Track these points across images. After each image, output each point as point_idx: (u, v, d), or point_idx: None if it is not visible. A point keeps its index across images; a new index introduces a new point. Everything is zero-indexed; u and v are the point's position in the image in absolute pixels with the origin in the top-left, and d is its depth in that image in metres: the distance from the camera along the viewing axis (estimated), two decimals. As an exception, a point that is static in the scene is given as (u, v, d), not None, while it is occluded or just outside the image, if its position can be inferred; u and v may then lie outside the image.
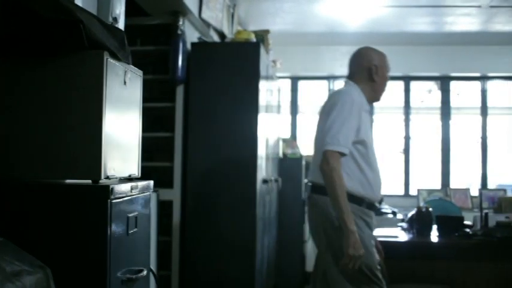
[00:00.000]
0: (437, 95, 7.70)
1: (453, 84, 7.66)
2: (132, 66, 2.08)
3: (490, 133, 7.59)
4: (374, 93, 3.29)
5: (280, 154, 6.20)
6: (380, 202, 6.27)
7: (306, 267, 6.65)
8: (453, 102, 7.63)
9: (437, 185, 7.38)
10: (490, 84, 7.65)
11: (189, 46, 4.33)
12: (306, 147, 7.14)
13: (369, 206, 3.09)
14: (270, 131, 5.13)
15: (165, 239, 4.16)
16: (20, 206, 1.78)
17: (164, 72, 4.21)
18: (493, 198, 6.49)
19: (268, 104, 4.97)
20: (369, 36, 6.95)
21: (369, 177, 3.08)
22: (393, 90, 7.74)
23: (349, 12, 5.99)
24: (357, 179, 3.04)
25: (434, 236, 4.31)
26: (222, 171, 4.29)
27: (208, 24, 4.69)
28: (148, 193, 2.13)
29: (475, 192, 7.02)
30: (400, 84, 7.68)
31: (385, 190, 7.49)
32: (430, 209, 4.40)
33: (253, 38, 4.95)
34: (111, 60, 1.87)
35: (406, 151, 7.59)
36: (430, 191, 7.04)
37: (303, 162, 6.41)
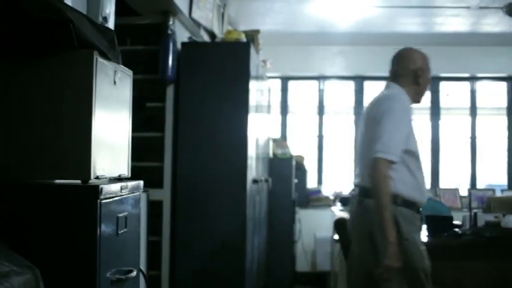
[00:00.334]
0: (427, 95, 7.72)
1: (443, 85, 7.69)
2: (122, 65, 2.08)
3: (479, 133, 7.63)
4: (417, 96, 3.23)
5: (271, 154, 6.21)
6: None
7: (296, 267, 6.67)
8: (443, 102, 7.67)
9: (427, 185, 7.39)
10: (479, 84, 7.69)
11: (179, 46, 4.32)
12: (296, 148, 7.16)
13: (418, 210, 3.09)
14: (260, 131, 5.13)
15: (155, 239, 4.15)
16: (8, 206, 1.77)
17: (154, 72, 4.20)
18: (482, 198, 6.54)
19: (259, 104, 4.98)
20: (359, 36, 6.97)
21: (419, 182, 3.08)
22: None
23: (339, 13, 6.00)
24: (410, 183, 3.02)
25: (423, 235, 4.32)
26: (212, 171, 4.29)
27: (198, 24, 4.68)
28: (138, 193, 2.13)
29: (464, 192, 7.08)
30: (390, 84, 7.69)
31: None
32: (420, 209, 4.41)
33: (244, 38, 4.95)
34: (101, 60, 1.86)
35: (396, 151, 7.61)
36: (420, 191, 7.05)
37: (293, 163, 6.42)
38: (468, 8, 5.74)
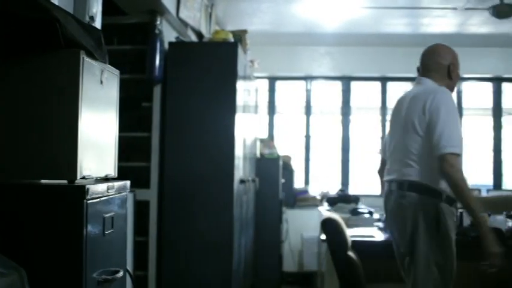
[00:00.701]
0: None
1: (429, 85, 7.73)
2: (108, 65, 2.07)
3: (465, 134, 7.65)
4: (450, 90, 3.24)
5: (258, 154, 6.21)
6: (356, 202, 6.33)
7: (283, 267, 6.67)
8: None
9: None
10: (465, 85, 7.74)
11: (166, 46, 4.31)
12: (283, 148, 7.17)
13: (456, 207, 3.13)
14: (248, 131, 5.13)
15: (142, 239, 4.14)
16: (-6, 207, 1.75)
17: (141, 71, 4.19)
18: (468, 198, 6.55)
19: (246, 104, 4.98)
20: (346, 37, 7.00)
21: None
22: (370, 90, 7.80)
23: (326, 13, 6.02)
24: None
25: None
26: (199, 171, 4.28)
27: (186, 24, 4.67)
28: (124, 193, 2.12)
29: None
30: (377, 85, 7.74)
31: (361, 190, 7.59)
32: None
33: (231, 38, 4.95)
34: (87, 60, 1.85)
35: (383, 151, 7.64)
36: (406, 191, 7.08)
37: (280, 163, 6.43)
38: (454, 9, 5.77)
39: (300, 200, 7.18)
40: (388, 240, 4.28)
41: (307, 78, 7.73)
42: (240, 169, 4.61)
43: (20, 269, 1.60)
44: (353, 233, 4.23)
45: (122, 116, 2.25)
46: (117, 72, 2.16)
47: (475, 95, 7.79)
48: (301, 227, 6.93)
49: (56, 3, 2.25)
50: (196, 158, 4.29)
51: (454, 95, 7.60)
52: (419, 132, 3.01)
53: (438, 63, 3.20)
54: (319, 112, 7.78)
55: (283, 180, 6.53)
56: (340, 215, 4.50)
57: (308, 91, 7.76)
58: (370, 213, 5.64)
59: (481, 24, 6.34)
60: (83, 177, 1.82)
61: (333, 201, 6.41)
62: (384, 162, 3.44)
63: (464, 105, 7.70)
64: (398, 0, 5.65)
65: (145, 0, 4.00)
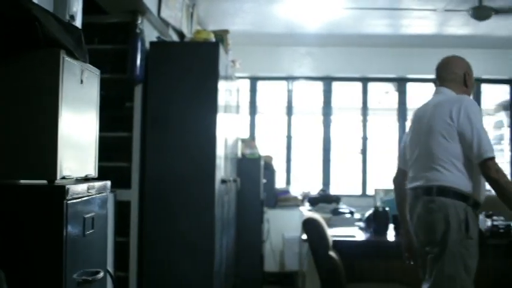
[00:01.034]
0: (394, 96, 7.82)
1: (409, 86, 7.79)
2: (89, 65, 2.06)
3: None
4: None
5: (239, 154, 6.21)
6: (337, 202, 6.35)
7: (264, 267, 6.68)
8: (409, 103, 7.76)
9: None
10: (445, 86, 7.80)
11: (147, 45, 4.30)
12: (265, 148, 7.18)
13: (478, 211, 3.24)
14: (229, 131, 5.12)
15: (123, 239, 4.11)
16: (-28, 207, 1.74)
17: (122, 71, 4.16)
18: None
19: (227, 104, 4.97)
20: (328, 37, 7.02)
21: (482, 184, 3.19)
22: (351, 91, 7.84)
23: (308, 14, 6.03)
24: (476, 185, 3.15)
25: (390, 235, 4.37)
26: (181, 171, 4.27)
27: (167, 24, 4.66)
28: (105, 193, 2.11)
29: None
30: (358, 85, 7.78)
31: (342, 190, 7.62)
32: (387, 209, 4.47)
33: (213, 38, 4.94)
34: (67, 59, 1.84)
35: (364, 151, 7.69)
36: (387, 191, 7.11)
37: (262, 163, 6.43)
38: (434, 10, 5.82)
39: (281, 200, 7.19)
40: (368, 240, 4.32)
41: (289, 78, 7.75)
42: (222, 169, 4.60)
43: (-2, 270, 1.59)
44: (334, 233, 4.25)
45: (103, 116, 2.24)
46: (97, 71, 2.15)
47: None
48: (283, 227, 6.95)
49: (36, 1, 2.23)
50: (178, 158, 4.28)
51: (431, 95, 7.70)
52: (446, 138, 3.14)
53: (454, 73, 3.39)
54: (301, 112, 7.81)
55: (264, 180, 6.54)
56: (321, 215, 4.52)
57: (289, 91, 7.78)
58: (351, 213, 5.66)
59: (460, 25, 6.40)
60: (63, 178, 1.81)
61: (314, 201, 6.43)
62: (400, 171, 3.56)
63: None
64: (378, 1, 5.68)
65: (127, -1, 3.98)
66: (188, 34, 5.17)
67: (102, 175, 2.18)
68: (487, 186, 3.19)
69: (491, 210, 4.45)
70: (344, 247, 4.13)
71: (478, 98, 7.73)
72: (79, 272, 1.81)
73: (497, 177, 3.00)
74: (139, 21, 4.14)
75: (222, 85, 4.52)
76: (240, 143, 6.31)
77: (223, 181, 4.62)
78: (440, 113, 3.20)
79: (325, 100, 7.72)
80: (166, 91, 4.30)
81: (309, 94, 7.83)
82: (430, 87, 7.84)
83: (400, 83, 7.79)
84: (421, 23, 6.40)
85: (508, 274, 4.03)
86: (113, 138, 4.15)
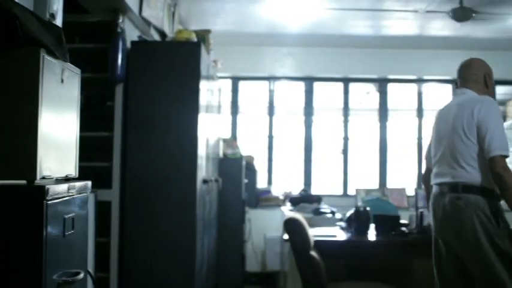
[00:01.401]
0: (375, 96, 7.86)
1: (390, 87, 7.84)
2: (69, 64, 2.04)
3: (425, 134, 7.80)
4: None
5: (221, 154, 6.20)
6: (319, 202, 6.37)
7: (246, 267, 6.68)
8: (390, 104, 7.81)
9: (375, 185, 7.53)
10: (425, 86, 7.86)
11: (129, 44, 4.28)
12: (246, 148, 7.17)
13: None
14: (211, 131, 5.12)
15: (104, 240, 4.09)
16: (-50, 208, 1.71)
17: (103, 70, 4.14)
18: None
19: (209, 104, 4.96)
20: (310, 38, 7.04)
21: None
22: (332, 91, 7.86)
23: (290, 14, 6.04)
24: None
25: (371, 234, 4.39)
26: (162, 171, 4.25)
27: (148, 23, 4.64)
28: (85, 194, 2.10)
29: (411, 191, 7.21)
30: (339, 85, 7.80)
31: (324, 190, 7.64)
32: (368, 209, 4.49)
33: (194, 38, 4.93)
34: (47, 58, 1.83)
35: (345, 152, 7.72)
36: (368, 191, 7.18)
37: (243, 163, 6.43)
38: (415, 12, 5.86)
39: (263, 200, 7.20)
40: (349, 240, 4.34)
41: (270, 78, 7.75)
42: (203, 169, 4.59)
43: (-23, 271, 1.57)
44: (315, 233, 4.26)
45: (83, 115, 2.22)
46: (78, 70, 2.14)
47: (435, 96, 7.92)
48: (264, 227, 6.95)
49: (16, 0, 2.21)
50: (159, 158, 4.26)
51: (415, 96, 7.78)
52: (468, 136, 3.29)
53: (475, 75, 3.54)
54: (282, 112, 7.82)
55: (246, 180, 6.54)
56: (302, 215, 4.52)
57: (271, 91, 7.78)
58: (333, 213, 5.69)
59: (441, 26, 6.45)
60: (43, 178, 1.80)
61: (296, 201, 6.45)
62: (429, 170, 3.69)
63: (424, 106, 7.83)
64: (360, 2, 5.71)
65: (108, -2, 3.96)
66: (170, 34, 5.16)
67: (82, 175, 2.16)
68: None
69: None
70: (325, 247, 4.14)
71: (458, 99, 7.79)
72: (59, 273, 1.80)
73: (503, 173, 3.12)
74: (120, 21, 4.12)
75: (203, 85, 4.51)
76: (221, 143, 6.31)
77: (204, 181, 4.62)
78: (463, 113, 3.35)
79: (307, 100, 7.74)
80: (147, 91, 4.29)
81: (291, 94, 7.84)
82: (411, 88, 7.93)
83: (381, 83, 7.83)
84: (403, 24, 6.44)
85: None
86: (94, 138, 4.13)
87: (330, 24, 6.51)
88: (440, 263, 3.44)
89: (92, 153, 4.14)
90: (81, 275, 1.93)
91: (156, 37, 4.98)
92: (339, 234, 4.45)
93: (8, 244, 1.70)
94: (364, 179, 7.67)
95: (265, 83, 7.81)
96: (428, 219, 4.15)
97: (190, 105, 4.32)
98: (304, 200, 6.49)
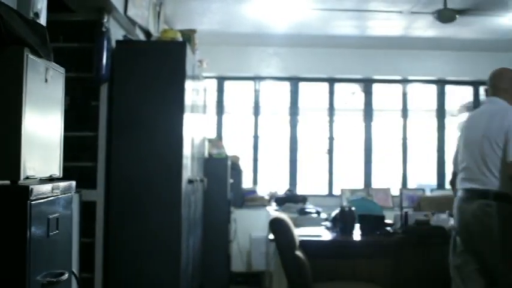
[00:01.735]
0: (361, 97, 7.89)
1: (375, 87, 7.87)
2: (54, 63, 2.03)
3: (410, 135, 7.84)
4: None
5: (206, 154, 6.19)
6: (304, 202, 6.39)
7: (231, 267, 6.68)
8: (375, 104, 7.84)
9: (360, 185, 7.57)
10: (410, 87, 7.91)
11: (114, 44, 4.26)
12: (232, 148, 7.17)
13: None
14: (196, 130, 5.11)
15: (88, 240, 4.07)
16: None
17: (88, 70, 4.12)
18: (412, 197, 6.73)
19: (194, 103, 4.96)
20: (295, 38, 7.05)
21: None
22: (317, 91, 7.88)
23: (275, 14, 6.05)
24: None
25: (356, 234, 4.41)
26: (147, 171, 4.24)
27: (133, 22, 4.62)
28: (70, 194, 2.09)
29: (395, 191, 7.26)
30: (325, 85, 7.82)
31: (309, 190, 7.66)
32: (353, 208, 4.51)
33: (180, 37, 4.92)
34: (31, 57, 1.81)
35: (330, 152, 7.74)
36: (353, 191, 7.22)
37: (229, 163, 6.43)
38: (400, 12, 5.89)
39: (248, 200, 7.20)
40: (335, 240, 4.35)
41: (256, 78, 7.76)
42: (188, 169, 4.59)
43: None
44: (301, 233, 4.27)
45: (68, 115, 2.21)
46: (62, 70, 2.13)
47: (420, 96, 7.97)
48: (250, 227, 6.95)
49: (-1, -2, 2.19)
50: (144, 158, 4.25)
51: (400, 97, 7.82)
52: (499, 144, 3.42)
53: (506, 84, 3.65)
54: (268, 112, 7.82)
55: (231, 180, 6.53)
56: (288, 215, 4.53)
57: (256, 91, 7.78)
58: (318, 212, 5.70)
59: (425, 27, 6.49)
60: (27, 178, 1.79)
61: (281, 201, 6.47)
62: (455, 174, 3.80)
63: (409, 106, 7.87)
64: (345, 3, 5.73)
65: (93, -3, 3.94)
66: (155, 33, 5.14)
67: (67, 175, 2.15)
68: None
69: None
70: (311, 247, 4.15)
71: (441, 99, 7.86)
72: (43, 273, 1.79)
73: None
74: (105, 20, 4.10)
75: (189, 85, 4.51)
76: (207, 143, 6.30)
77: (190, 181, 4.61)
78: (493, 121, 3.48)
79: (292, 100, 7.75)
80: (132, 90, 4.27)
81: (276, 94, 7.85)
82: (396, 88, 7.97)
83: (366, 83, 7.86)
84: (387, 24, 6.47)
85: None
86: (78, 137, 4.11)
87: (315, 25, 6.52)
88: (460, 259, 3.56)
89: (77, 153, 4.11)
90: (66, 276, 1.92)
91: (142, 37, 4.97)
92: (324, 234, 4.46)
93: (-9, 245, 1.69)
94: (349, 179, 7.70)
95: (251, 83, 7.81)
96: (451, 222, 4.23)
97: (176, 105, 4.31)
98: (290, 200, 6.51)
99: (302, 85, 7.79)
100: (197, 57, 5.49)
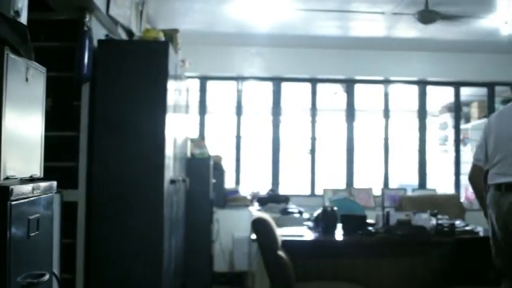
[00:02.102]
0: (343, 97, 7.93)
1: (358, 87, 7.91)
2: (34, 62, 2.02)
3: (392, 135, 7.89)
4: None
5: (188, 154, 6.18)
6: (287, 202, 6.40)
7: (214, 267, 6.67)
8: (357, 104, 7.88)
9: (342, 185, 7.60)
10: (392, 87, 7.95)
11: (95, 43, 4.23)
12: (214, 148, 7.17)
13: None
14: (178, 130, 5.10)
15: (69, 241, 4.04)
16: None
17: (69, 69, 4.09)
18: (394, 197, 6.79)
19: (177, 103, 4.95)
20: (278, 38, 7.06)
21: None
22: (300, 91, 7.90)
23: (258, 14, 6.06)
24: None
25: (339, 234, 4.42)
26: (129, 171, 4.22)
27: (116, 22, 4.60)
28: (51, 194, 2.07)
29: (377, 191, 7.31)
30: (307, 86, 7.84)
31: (291, 190, 7.68)
32: (335, 208, 4.52)
33: (162, 37, 4.90)
34: (12, 56, 1.80)
35: (312, 152, 7.76)
36: (335, 191, 7.25)
37: (211, 163, 6.42)
38: (383, 13, 5.92)
39: (231, 200, 7.20)
40: (317, 240, 4.36)
41: (239, 78, 7.76)
42: (171, 169, 4.57)
43: None
44: (283, 233, 4.28)
45: (49, 115, 2.19)
46: (43, 69, 2.11)
47: (402, 97, 8.02)
48: (232, 227, 6.95)
49: (-21, -3, 2.17)
50: (126, 158, 4.23)
51: (382, 97, 7.86)
52: None
53: None
54: (250, 112, 7.83)
55: (214, 180, 6.53)
56: (270, 215, 4.54)
57: (239, 91, 7.78)
58: (300, 212, 5.72)
59: (407, 28, 6.53)
60: (7, 178, 1.77)
61: (264, 201, 6.47)
62: (476, 168, 3.90)
63: (390, 107, 7.91)
64: (328, 3, 5.75)
65: (74, -4, 3.91)
66: (137, 33, 5.12)
67: (47, 175, 2.14)
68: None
69: (436, 209, 4.58)
70: (293, 247, 4.15)
71: (423, 100, 7.92)
72: (23, 274, 1.78)
73: None
74: (87, 19, 4.07)
75: (171, 84, 4.49)
76: (189, 143, 6.29)
77: (172, 181, 4.60)
78: None
79: (275, 100, 7.76)
80: (114, 90, 4.25)
81: (259, 94, 7.86)
82: (378, 88, 8.01)
83: (349, 84, 7.90)
84: (370, 25, 6.50)
85: (451, 271, 4.13)
86: (59, 137, 4.07)
87: (298, 25, 6.54)
88: (503, 253, 3.60)
89: (58, 153, 4.07)
90: (47, 277, 1.91)
91: (124, 36, 4.94)
92: (307, 234, 4.47)
93: (-29, 246, 1.67)
94: (331, 179, 7.74)
95: (233, 83, 7.81)
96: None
97: (158, 105, 4.29)
98: (272, 200, 6.52)
99: (284, 85, 7.80)
100: (180, 57, 5.48)
